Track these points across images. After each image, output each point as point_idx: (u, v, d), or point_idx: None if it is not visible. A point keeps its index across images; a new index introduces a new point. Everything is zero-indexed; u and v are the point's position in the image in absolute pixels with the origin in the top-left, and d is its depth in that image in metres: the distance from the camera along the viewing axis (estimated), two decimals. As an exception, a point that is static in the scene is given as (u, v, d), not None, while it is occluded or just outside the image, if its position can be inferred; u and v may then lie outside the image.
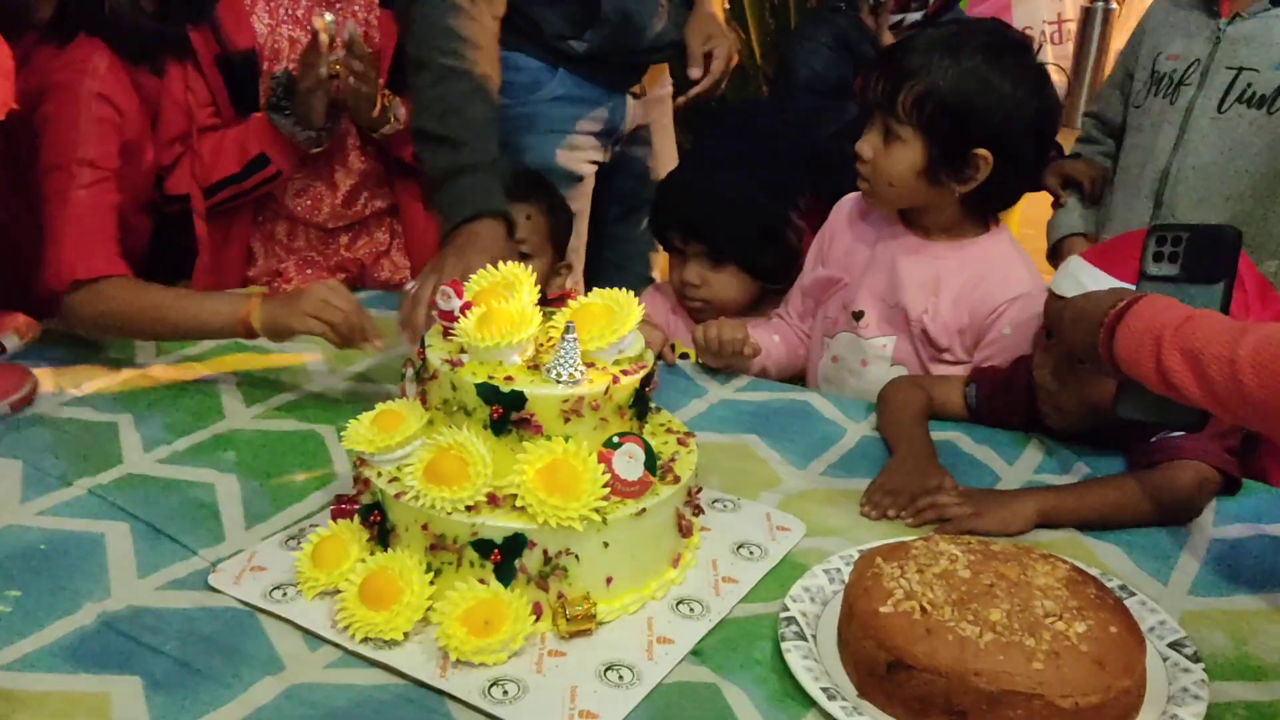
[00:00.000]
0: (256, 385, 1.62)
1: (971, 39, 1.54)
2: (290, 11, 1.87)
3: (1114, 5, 3.25)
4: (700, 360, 1.71)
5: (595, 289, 1.22)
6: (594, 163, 2.22)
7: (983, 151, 1.53)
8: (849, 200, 1.76)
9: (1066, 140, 2.71)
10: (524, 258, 1.88)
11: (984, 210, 1.63)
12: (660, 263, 2.35)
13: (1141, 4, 3.65)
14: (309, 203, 1.96)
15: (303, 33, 1.86)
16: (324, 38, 1.74)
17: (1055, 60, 3.28)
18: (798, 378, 1.81)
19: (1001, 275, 1.55)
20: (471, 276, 1.22)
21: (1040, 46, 3.26)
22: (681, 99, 2.28)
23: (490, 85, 1.63)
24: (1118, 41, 3.50)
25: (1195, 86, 1.77)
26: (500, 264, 1.22)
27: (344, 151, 1.95)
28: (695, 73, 2.20)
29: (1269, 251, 1.75)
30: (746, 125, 1.98)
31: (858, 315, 1.66)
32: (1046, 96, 1.56)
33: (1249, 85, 1.70)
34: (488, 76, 1.63)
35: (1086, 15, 3.25)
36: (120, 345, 1.71)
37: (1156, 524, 1.30)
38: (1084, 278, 1.39)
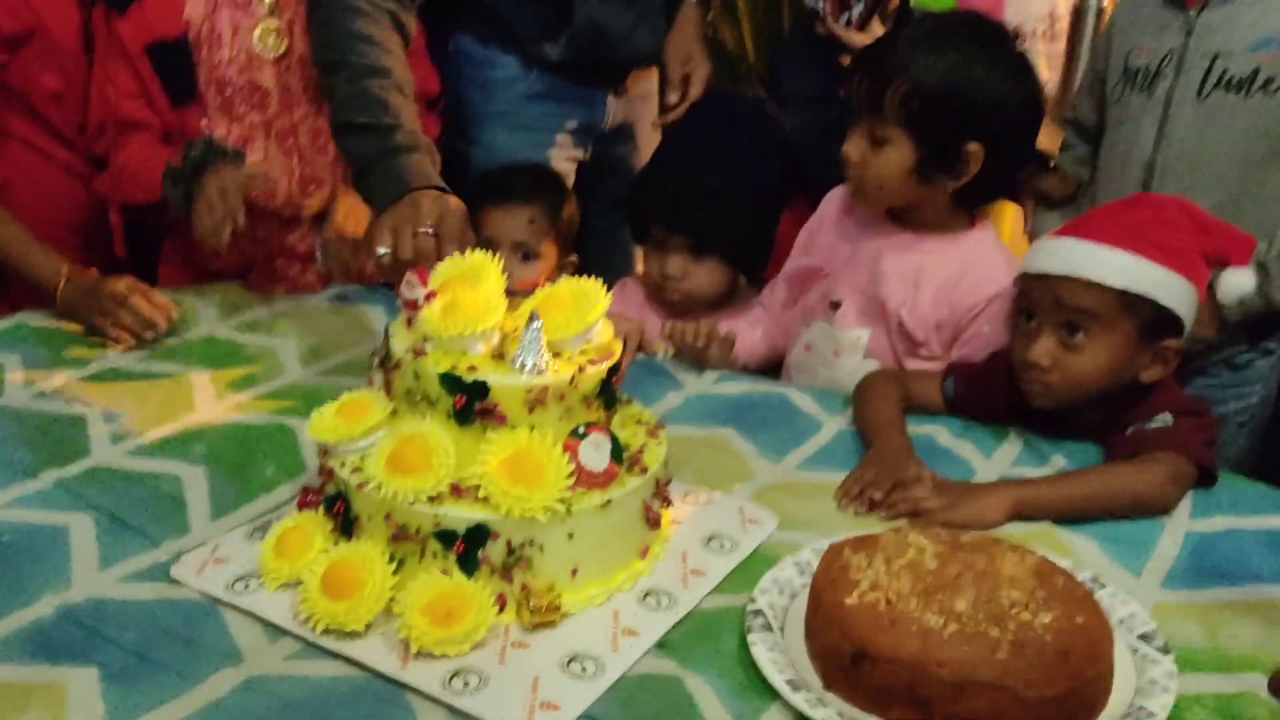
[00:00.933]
0: (227, 378, 1.60)
1: (952, 33, 1.53)
2: None
3: (1105, 3, 3.24)
4: (667, 356, 1.69)
5: (564, 278, 1.21)
6: (573, 160, 2.19)
7: (973, 145, 1.52)
8: (838, 192, 1.74)
9: (1058, 137, 2.71)
10: (528, 258, 1.89)
11: (974, 204, 1.63)
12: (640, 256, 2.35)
13: (1131, 1, 3.65)
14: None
15: (244, 15, 1.82)
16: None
17: (1047, 57, 3.27)
18: (779, 369, 1.79)
19: (984, 272, 1.54)
20: (438, 265, 1.20)
21: (1031, 43, 3.26)
22: (657, 121, 2.27)
23: (406, 84, 1.61)
24: (1106, 39, 3.47)
25: (1172, 76, 1.76)
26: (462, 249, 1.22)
27: (296, 136, 1.90)
28: (672, 97, 2.19)
29: (1255, 233, 1.74)
30: (727, 113, 1.97)
31: (835, 305, 1.65)
32: (1030, 83, 1.55)
33: (1225, 70, 1.71)
34: (403, 76, 1.61)
35: (1078, 13, 3.23)
36: (91, 338, 1.70)
37: (1131, 517, 1.29)
38: (1059, 250, 1.40)
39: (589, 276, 2.02)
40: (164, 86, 1.81)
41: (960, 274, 1.58)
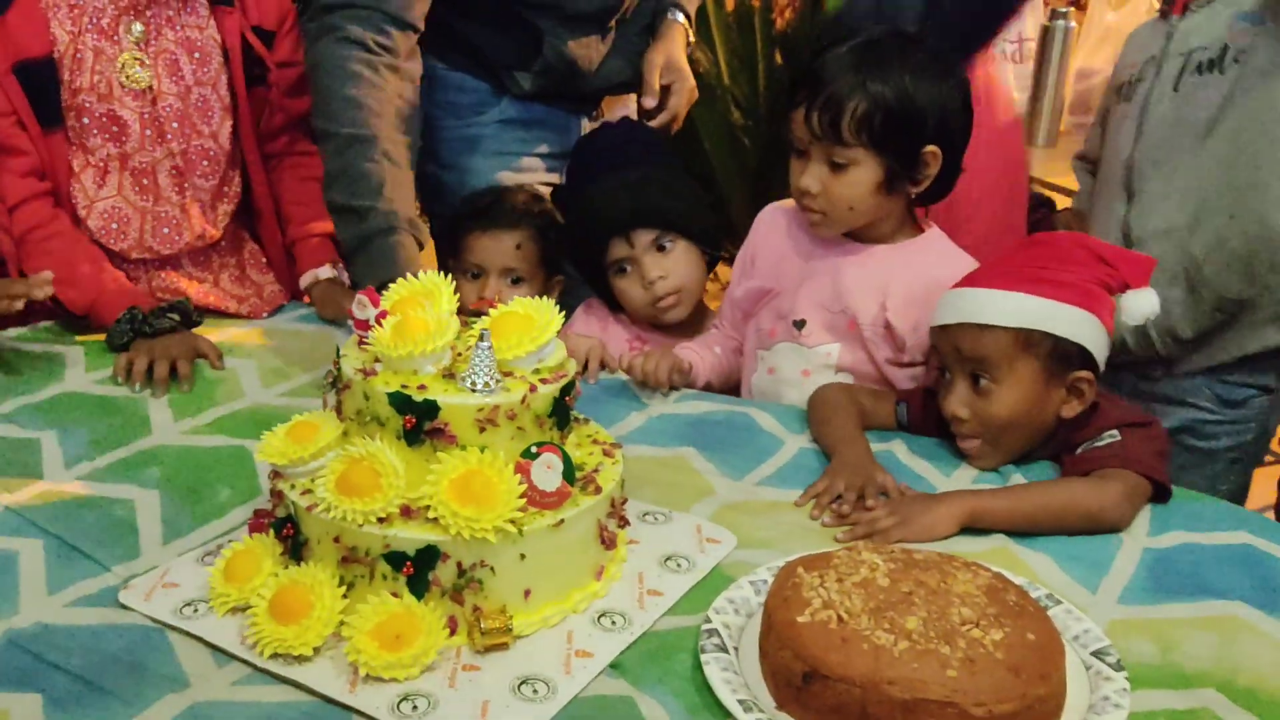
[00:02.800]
0: (186, 401, 1.59)
1: (883, 47, 1.53)
2: (95, 21, 1.75)
3: (1073, 24, 3.27)
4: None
5: (517, 298, 1.21)
6: (548, 185, 2.15)
7: (931, 147, 1.54)
8: (770, 212, 1.74)
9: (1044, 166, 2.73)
10: (517, 283, 1.89)
11: (925, 203, 1.64)
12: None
13: (1100, 21, 3.67)
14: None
15: (108, 42, 1.76)
16: None
17: (1017, 78, 3.29)
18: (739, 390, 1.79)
19: (950, 275, 1.53)
20: (391, 286, 1.20)
21: (1001, 64, 3.28)
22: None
23: (395, 149, 1.66)
24: (1078, 59, 3.51)
25: (1150, 80, 1.78)
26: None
27: (154, 176, 1.85)
28: (648, 101, 2.05)
29: (1251, 188, 1.73)
30: (615, 127, 2.01)
31: (799, 324, 1.64)
32: (962, 80, 1.57)
33: (1198, 59, 1.73)
34: (392, 139, 1.66)
35: (1046, 34, 3.26)
36: (48, 360, 1.69)
37: (1085, 532, 1.29)
38: (954, 300, 1.43)
39: (567, 297, 2.05)
40: (33, 108, 1.74)
41: (926, 278, 1.57)
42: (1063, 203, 2.30)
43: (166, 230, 1.85)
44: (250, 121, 1.92)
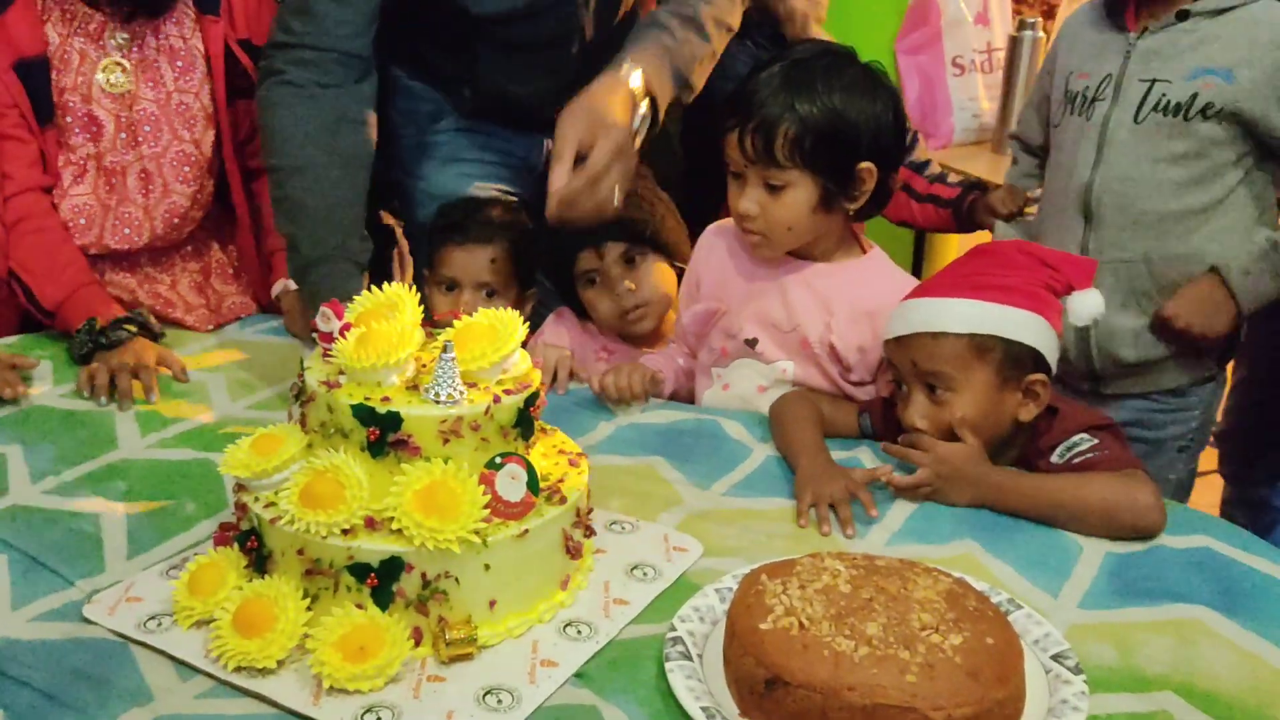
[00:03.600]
0: (153, 414, 1.59)
1: (811, 66, 1.54)
2: (84, 25, 1.80)
3: (1040, 34, 3.29)
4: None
5: (480, 309, 1.21)
6: (509, 193, 2.10)
7: (865, 164, 1.55)
8: (710, 234, 1.75)
9: (997, 165, 2.74)
10: (491, 296, 1.87)
11: (864, 218, 1.65)
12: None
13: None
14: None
15: (93, 46, 1.80)
16: None
17: (986, 88, 3.32)
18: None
19: (891, 296, 1.53)
20: (355, 298, 1.20)
21: (970, 74, 3.30)
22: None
23: (328, 172, 1.69)
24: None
25: (1110, 101, 1.79)
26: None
27: (124, 177, 1.88)
28: (555, 179, 1.62)
29: (1195, 260, 1.77)
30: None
31: (751, 342, 1.65)
32: (892, 94, 1.58)
33: (1163, 95, 1.73)
34: (326, 165, 1.69)
35: (1014, 44, 3.28)
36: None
37: (1107, 533, 1.31)
38: (904, 312, 1.44)
39: (544, 304, 2.04)
40: (32, 106, 1.79)
41: (873, 302, 1.58)
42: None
43: (127, 230, 1.88)
44: (230, 132, 1.93)
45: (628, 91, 1.68)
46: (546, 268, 1.93)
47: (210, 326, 1.92)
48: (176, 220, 1.91)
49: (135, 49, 1.83)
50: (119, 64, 1.82)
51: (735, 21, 1.90)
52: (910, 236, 2.99)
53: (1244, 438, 2.31)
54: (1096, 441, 1.38)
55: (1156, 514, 1.31)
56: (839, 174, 1.54)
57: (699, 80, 1.83)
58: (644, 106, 1.70)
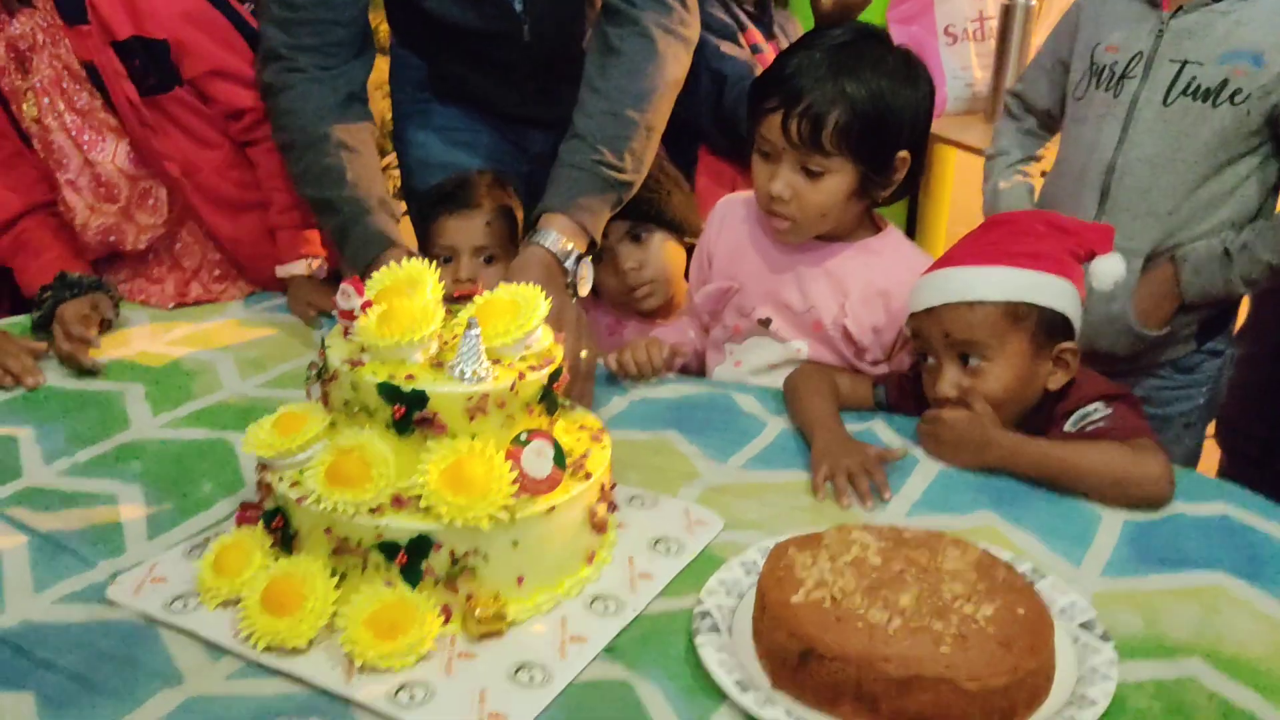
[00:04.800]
0: (165, 393, 1.58)
1: (857, 52, 1.53)
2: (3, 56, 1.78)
3: (1034, 2, 3.28)
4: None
5: (502, 283, 1.20)
6: (498, 169, 2.06)
7: (903, 153, 1.54)
8: (724, 205, 1.74)
9: (990, 134, 2.72)
10: (490, 262, 1.87)
11: (887, 203, 1.64)
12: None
13: (1061, 1, 3.69)
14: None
15: (12, 77, 1.77)
16: None
17: (979, 56, 3.31)
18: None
19: (907, 276, 1.53)
20: (374, 274, 1.20)
21: (962, 43, 3.29)
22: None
23: (349, 137, 1.69)
24: (1038, 37, 3.51)
25: (1139, 80, 1.76)
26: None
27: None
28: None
29: (1206, 234, 1.77)
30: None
31: (765, 322, 1.65)
32: (929, 82, 1.58)
33: (1193, 79, 1.71)
34: (344, 129, 1.70)
35: (1007, 12, 3.26)
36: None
37: (1117, 501, 1.31)
38: (935, 282, 1.43)
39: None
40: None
41: (888, 281, 1.58)
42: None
43: (112, 237, 1.87)
44: (147, 131, 1.82)
45: (548, 268, 1.55)
46: None
47: (170, 306, 1.92)
48: (113, 239, 1.87)
49: (33, 77, 1.77)
50: (30, 91, 1.78)
51: (694, 31, 1.76)
52: (903, 208, 2.99)
53: (1244, 413, 2.32)
54: (1110, 411, 1.38)
55: (1165, 484, 1.31)
56: (878, 162, 1.53)
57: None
58: (573, 265, 1.58)
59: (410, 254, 1.60)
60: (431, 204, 1.89)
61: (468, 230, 1.86)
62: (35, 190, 1.85)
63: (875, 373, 1.61)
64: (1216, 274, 1.74)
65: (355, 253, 1.63)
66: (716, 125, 2.09)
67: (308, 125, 1.70)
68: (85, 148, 1.81)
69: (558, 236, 1.56)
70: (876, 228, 1.65)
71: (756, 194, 1.61)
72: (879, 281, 1.58)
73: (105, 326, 1.75)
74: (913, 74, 1.55)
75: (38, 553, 1.20)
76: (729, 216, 1.71)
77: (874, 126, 1.50)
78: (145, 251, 1.91)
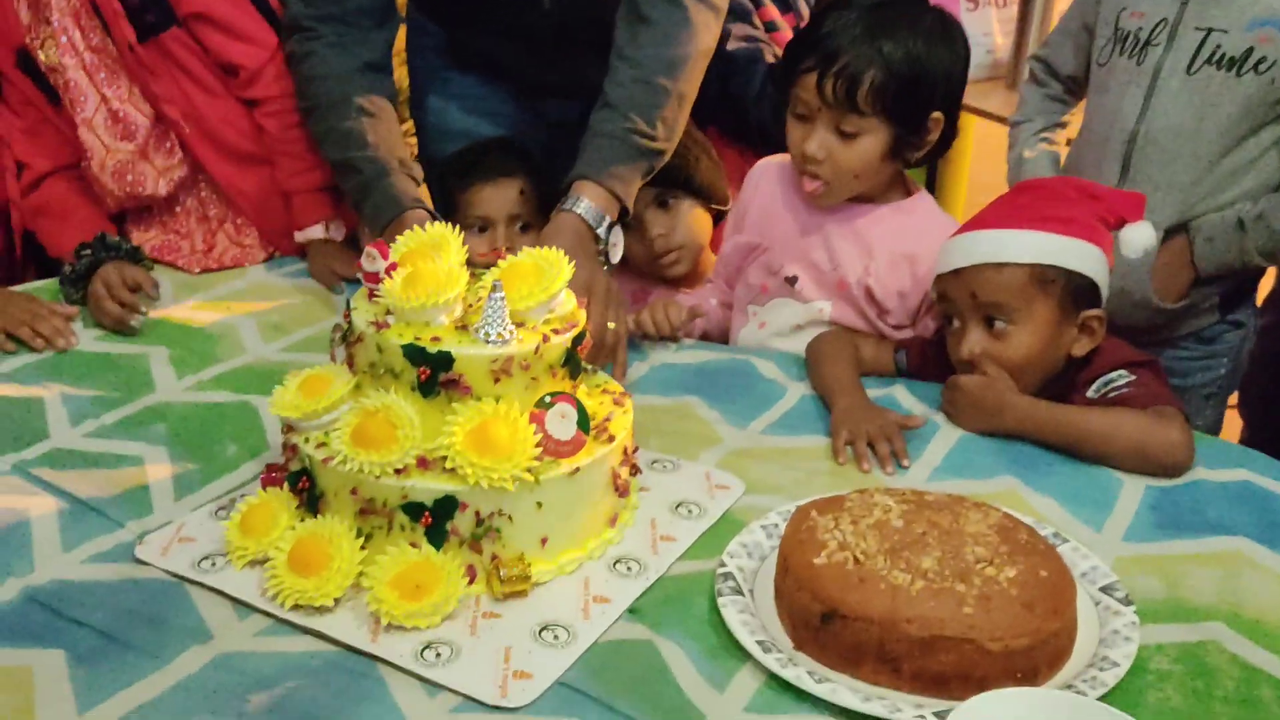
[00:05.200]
0: (189, 356, 1.58)
1: (892, 12, 1.52)
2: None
3: (1056, -34, 3.24)
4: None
5: (525, 248, 1.21)
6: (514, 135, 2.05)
7: (936, 114, 1.54)
8: (762, 167, 1.74)
9: (1011, 101, 2.70)
10: (525, 230, 1.86)
11: (918, 165, 1.63)
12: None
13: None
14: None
15: (35, 20, 1.76)
16: None
17: (1000, 22, 3.28)
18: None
19: (934, 240, 1.53)
20: (398, 238, 1.20)
21: (984, 8, 3.26)
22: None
23: (368, 103, 1.70)
24: (1061, 2, 3.47)
25: (1163, 47, 1.74)
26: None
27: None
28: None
29: (1226, 206, 1.75)
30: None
31: (791, 280, 1.65)
32: (964, 44, 1.57)
33: (1218, 46, 1.69)
34: (363, 95, 1.70)
35: (1030, -24, 3.23)
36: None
37: (1136, 468, 1.31)
38: (963, 244, 1.43)
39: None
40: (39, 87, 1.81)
41: (915, 245, 1.58)
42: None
43: (130, 177, 1.85)
44: (145, 73, 1.82)
45: (580, 235, 1.54)
46: None
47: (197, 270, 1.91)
48: (131, 179, 1.85)
49: (52, 18, 1.76)
50: (50, 35, 1.77)
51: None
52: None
53: (1267, 383, 2.31)
54: (1134, 378, 1.38)
55: (1184, 452, 1.31)
56: (912, 123, 1.53)
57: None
58: (605, 232, 1.57)
59: (432, 215, 1.61)
60: (461, 173, 1.88)
61: (504, 198, 1.85)
62: (61, 153, 1.85)
63: (898, 337, 1.61)
64: (1232, 245, 1.72)
65: (375, 213, 1.63)
66: (724, 107, 2.08)
67: (329, 91, 1.71)
68: (101, 85, 1.81)
69: (590, 204, 1.55)
70: (908, 191, 1.64)
71: (791, 155, 1.60)
72: (906, 245, 1.58)
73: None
74: (949, 34, 1.54)
75: (66, 513, 1.21)
76: (764, 178, 1.71)
77: (909, 87, 1.50)
78: (171, 203, 1.91)
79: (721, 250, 1.79)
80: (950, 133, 1.58)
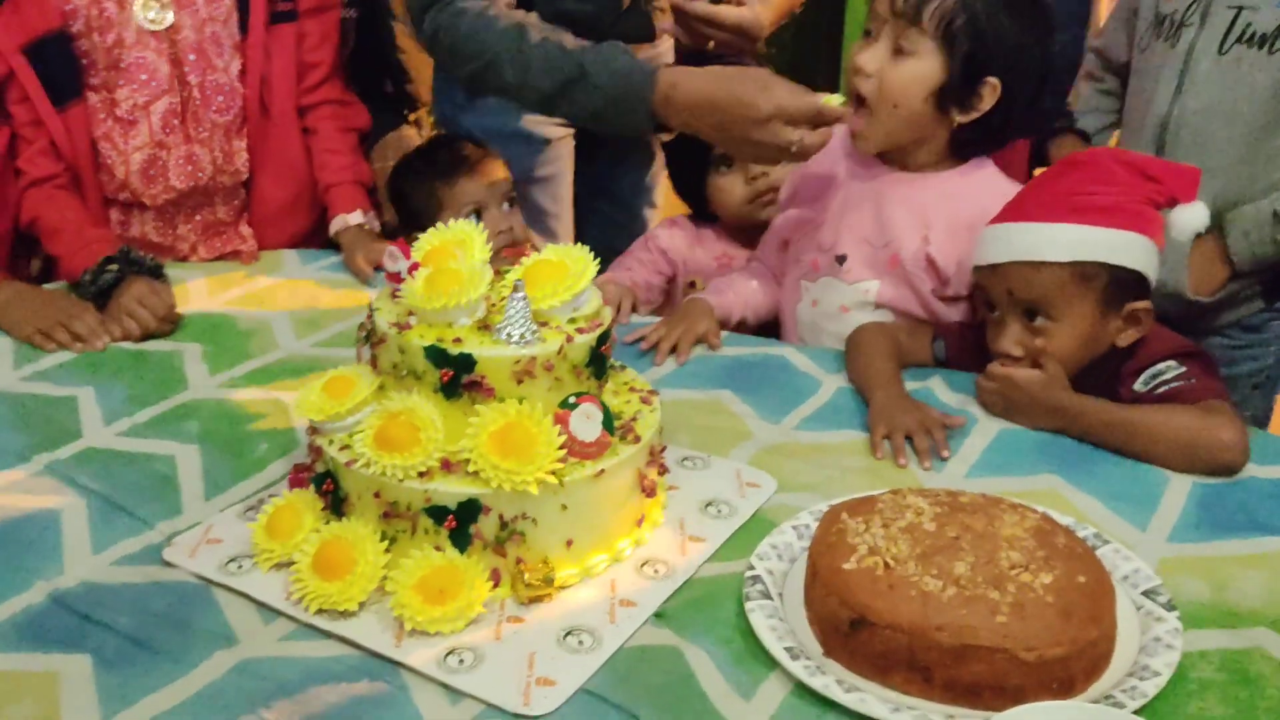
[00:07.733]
0: (221, 354, 1.59)
1: None
2: None
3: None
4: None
5: (550, 246, 1.19)
6: (566, 125, 2.10)
7: (993, 79, 1.49)
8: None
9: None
10: (513, 204, 1.93)
11: (968, 152, 1.58)
12: (655, 217, 2.31)
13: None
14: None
15: (114, 5, 1.77)
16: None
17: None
18: (777, 320, 1.77)
19: (995, 203, 1.48)
20: (420, 236, 1.19)
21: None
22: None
23: (543, 25, 1.65)
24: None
25: (1196, 27, 1.70)
26: None
27: (183, 118, 1.86)
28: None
29: (1266, 193, 1.71)
30: None
31: (841, 259, 1.61)
32: (1048, 23, 1.52)
33: (1249, 24, 1.65)
34: (531, 25, 1.65)
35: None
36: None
37: (1185, 467, 1.27)
38: (999, 236, 1.38)
39: (601, 236, 2.03)
40: (46, 87, 1.76)
41: (972, 206, 1.52)
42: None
43: (190, 168, 1.86)
44: (260, 63, 1.88)
45: None
46: (678, 157, 1.96)
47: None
48: (220, 152, 1.88)
49: None
50: (155, 1, 1.79)
51: None
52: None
53: None
54: (1183, 370, 1.33)
55: (1238, 453, 1.26)
56: (965, 72, 1.48)
57: None
58: None
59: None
60: (442, 172, 1.91)
61: (491, 180, 1.91)
62: (48, 164, 1.82)
63: (952, 312, 1.57)
64: (1266, 237, 1.67)
65: (625, 82, 1.56)
66: None
67: (504, 33, 1.63)
68: (212, 56, 1.85)
69: None
70: (962, 160, 1.59)
71: (849, 68, 1.55)
72: (964, 214, 1.52)
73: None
74: (1035, 13, 1.50)
75: (96, 514, 1.22)
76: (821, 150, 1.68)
77: (975, 30, 1.45)
78: (180, 201, 1.91)
79: (772, 224, 1.77)
80: (1004, 122, 1.52)
